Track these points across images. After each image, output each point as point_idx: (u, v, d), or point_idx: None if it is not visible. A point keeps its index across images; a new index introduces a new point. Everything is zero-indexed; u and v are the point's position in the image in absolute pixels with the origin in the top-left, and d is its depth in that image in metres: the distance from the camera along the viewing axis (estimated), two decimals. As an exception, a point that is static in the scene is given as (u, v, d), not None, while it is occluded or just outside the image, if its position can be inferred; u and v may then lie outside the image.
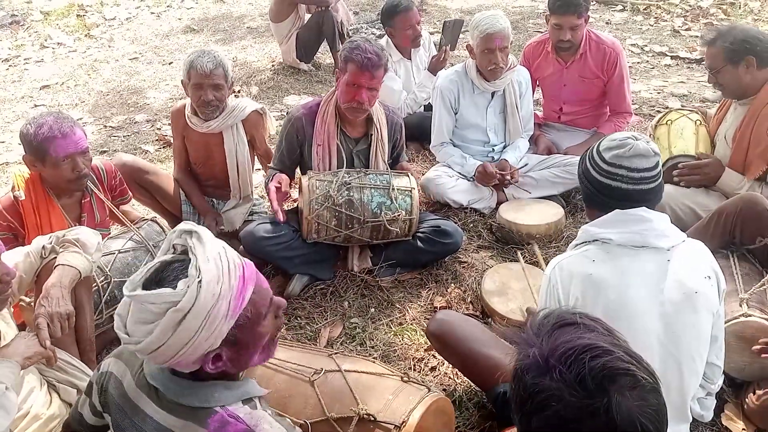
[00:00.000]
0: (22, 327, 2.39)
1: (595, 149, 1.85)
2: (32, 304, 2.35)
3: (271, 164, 3.22)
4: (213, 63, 2.98)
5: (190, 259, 1.27)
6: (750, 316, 2.18)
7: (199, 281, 1.23)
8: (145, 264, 2.61)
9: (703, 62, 2.91)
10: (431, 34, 5.15)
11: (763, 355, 2.07)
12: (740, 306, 2.23)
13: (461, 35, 4.49)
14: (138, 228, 2.78)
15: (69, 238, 2.20)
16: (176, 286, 1.23)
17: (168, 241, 1.34)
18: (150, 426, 1.33)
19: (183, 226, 1.33)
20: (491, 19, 3.34)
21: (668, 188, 3.02)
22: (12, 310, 2.15)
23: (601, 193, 1.81)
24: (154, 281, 1.29)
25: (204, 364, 1.29)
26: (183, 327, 1.22)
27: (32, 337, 1.89)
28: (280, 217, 2.83)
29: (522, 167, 3.61)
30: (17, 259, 2.14)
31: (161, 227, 2.84)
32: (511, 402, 1.12)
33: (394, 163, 3.24)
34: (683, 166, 3.00)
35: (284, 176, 2.96)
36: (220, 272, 1.26)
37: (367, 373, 2.01)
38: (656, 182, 1.80)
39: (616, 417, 0.97)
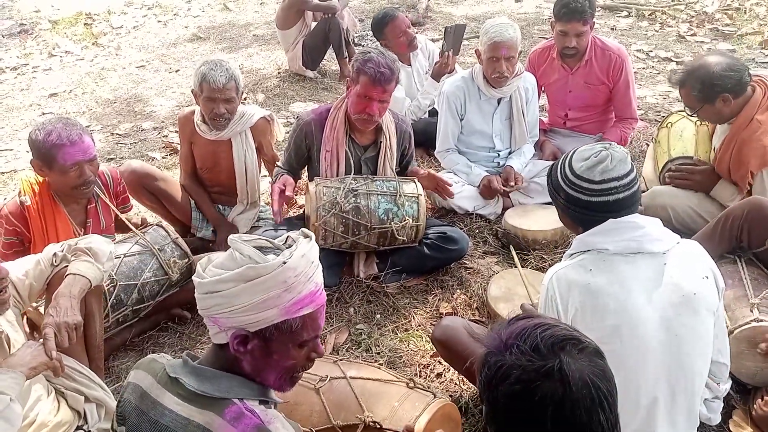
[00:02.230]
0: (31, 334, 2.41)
1: (570, 176, 1.80)
2: (39, 309, 2.37)
3: (278, 163, 3.24)
4: (225, 77, 2.99)
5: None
6: (762, 321, 2.17)
7: (284, 262, 1.34)
8: (150, 267, 2.65)
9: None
10: (434, 41, 5.16)
11: None
12: (751, 311, 2.22)
13: (465, 41, 4.50)
14: (144, 233, 2.80)
15: (81, 247, 2.20)
16: (267, 255, 1.36)
17: (286, 235, 1.47)
18: (168, 418, 1.36)
19: (307, 231, 1.48)
20: (501, 27, 3.35)
21: (670, 190, 3.02)
22: (21, 317, 2.17)
23: (597, 211, 1.79)
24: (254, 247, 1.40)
25: (232, 341, 1.36)
26: (246, 286, 1.32)
27: (38, 346, 1.89)
28: (278, 219, 2.89)
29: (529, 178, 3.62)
30: (28, 266, 2.16)
31: (167, 231, 2.85)
32: (480, 390, 1.20)
33: (403, 171, 3.25)
34: (676, 168, 2.99)
35: (290, 179, 2.98)
36: (302, 270, 1.37)
37: (372, 379, 2.02)
38: (638, 182, 1.82)
39: (569, 374, 1.09)
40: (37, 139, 2.48)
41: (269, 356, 1.39)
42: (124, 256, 2.66)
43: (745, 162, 2.71)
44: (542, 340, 1.13)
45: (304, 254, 1.38)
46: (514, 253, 2.71)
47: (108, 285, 2.53)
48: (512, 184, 3.49)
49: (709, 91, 2.67)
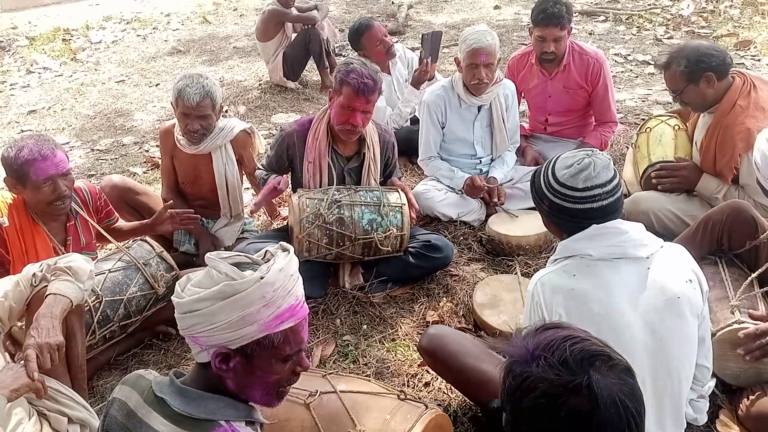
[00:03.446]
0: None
1: (554, 184, 1.81)
2: (23, 327, 2.33)
3: (261, 165, 3.23)
4: (200, 95, 2.98)
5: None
6: (743, 322, 2.19)
7: (261, 277, 1.33)
8: (135, 282, 2.62)
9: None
10: (414, 50, 5.18)
11: (747, 357, 2.10)
12: (732, 313, 2.23)
13: (446, 49, 4.52)
14: (128, 248, 2.77)
15: (61, 266, 2.17)
16: (245, 271, 1.35)
17: (265, 249, 1.45)
18: None
19: (286, 245, 1.47)
20: (478, 34, 3.37)
21: (651, 195, 3.05)
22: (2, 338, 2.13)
23: (582, 218, 1.79)
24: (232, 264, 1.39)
25: (214, 359, 1.35)
26: (223, 304, 1.31)
27: (19, 368, 1.86)
28: (255, 209, 2.98)
29: (509, 181, 3.65)
30: (6, 287, 2.12)
31: (151, 246, 2.82)
32: (502, 400, 1.18)
33: (385, 182, 3.24)
34: (661, 167, 3.03)
35: (285, 178, 3.01)
36: (281, 285, 1.35)
37: (363, 392, 1.99)
38: (621, 187, 1.83)
39: (597, 392, 1.06)
40: (9, 156, 2.46)
41: (252, 373, 1.37)
42: (109, 272, 2.63)
43: (731, 146, 2.77)
44: (571, 354, 1.10)
45: (282, 268, 1.37)
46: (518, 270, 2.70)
47: (94, 301, 2.50)
48: (495, 200, 3.50)
49: (695, 68, 2.75)
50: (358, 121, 2.86)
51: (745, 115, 2.73)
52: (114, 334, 2.64)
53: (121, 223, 3.03)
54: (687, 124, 3.23)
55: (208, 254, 1.39)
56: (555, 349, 1.11)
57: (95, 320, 2.51)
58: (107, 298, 2.57)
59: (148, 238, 2.90)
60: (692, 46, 2.84)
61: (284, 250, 1.45)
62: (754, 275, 2.32)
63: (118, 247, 2.78)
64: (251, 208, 2.91)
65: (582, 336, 1.15)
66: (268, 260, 1.41)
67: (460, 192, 3.59)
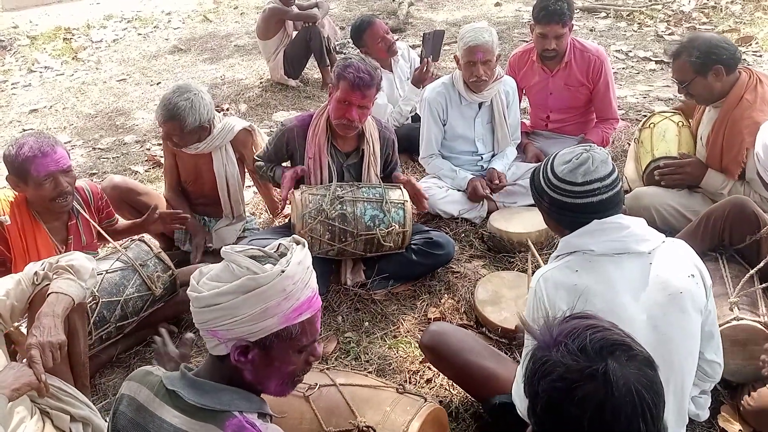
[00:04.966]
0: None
1: (554, 180, 1.80)
2: (20, 328, 2.33)
3: (257, 155, 3.23)
4: (163, 117, 3.00)
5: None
6: (741, 319, 2.19)
7: (283, 271, 1.35)
8: (132, 283, 2.62)
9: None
10: (415, 47, 5.18)
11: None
12: (731, 310, 2.23)
13: (447, 46, 4.52)
14: (126, 248, 2.77)
15: (63, 264, 2.17)
16: (264, 264, 1.37)
17: (277, 242, 1.46)
18: (167, 431, 1.35)
19: (298, 238, 1.47)
20: (476, 32, 3.37)
21: (652, 190, 3.05)
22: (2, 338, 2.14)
23: (582, 213, 1.79)
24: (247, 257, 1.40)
25: (232, 351, 1.36)
26: (245, 297, 1.32)
27: (21, 367, 1.86)
28: (282, 205, 3.02)
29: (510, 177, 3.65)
30: (8, 286, 2.12)
31: (149, 246, 2.82)
32: (524, 384, 1.20)
33: (387, 179, 3.24)
34: (665, 165, 3.03)
35: (303, 167, 3.01)
36: (299, 278, 1.38)
37: (362, 386, 2.01)
38: (620, 182, 1.82)
39: (613, 380, 1.07)
40: (10, 155, 2.46)
41: (270, 364, 1.39)
42: (106, 273, 2.63)
43: (739, 140, 2.76)
44: (591, 342, 1.12)
45: (300, 261, 1.39)
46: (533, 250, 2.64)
47: (90, 302, 2.49)
48: (497, 182, 3.50)
49: (706, 59, 2.74)
50: (354, 116, 2.86)
51: (753, 109, 2.72)
52: (110, 335, 2.64)
53: (119, 222, 3.04)
54: (690, 121, 3.23)
55: (224, 248, 1.40)
56: (576, 336, 1.14)
57: (92, 321, 2.49)
58: (104, 299, 2.56)
59: (146, 238, 2.88)
60: (704, 37, 2.82)
61: (298, 243, 1.46)
62: (752, 271, 2.32)
63: (115, 248, 2.77)
64: (281, 204, 2.94)
65: (605, 326, 1.17)
66: (283, 254, 1.42)
67: (464, 191, 3.58)
